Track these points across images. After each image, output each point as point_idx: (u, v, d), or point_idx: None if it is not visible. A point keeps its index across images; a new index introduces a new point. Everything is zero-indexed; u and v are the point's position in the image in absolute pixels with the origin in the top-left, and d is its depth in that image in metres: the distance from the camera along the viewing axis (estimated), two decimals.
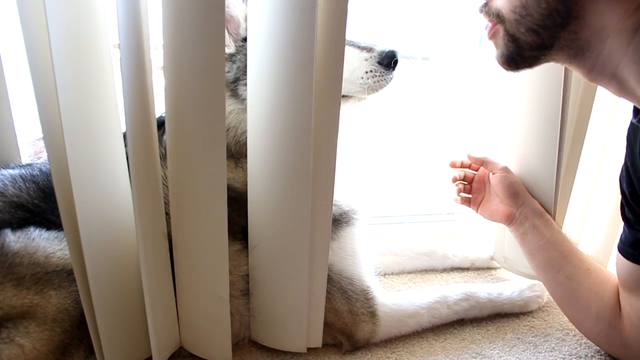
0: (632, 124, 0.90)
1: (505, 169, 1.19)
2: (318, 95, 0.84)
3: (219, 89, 0.80)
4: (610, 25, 0.75)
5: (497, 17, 0.84)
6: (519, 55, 0.85)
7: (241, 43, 0.94)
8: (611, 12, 0.75)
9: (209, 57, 0.78)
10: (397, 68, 0.94)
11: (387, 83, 0.94)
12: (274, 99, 0.85)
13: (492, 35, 0.87)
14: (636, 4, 0.73)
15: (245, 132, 0.92)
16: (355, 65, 0.93)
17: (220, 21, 0.75)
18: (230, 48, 0.95)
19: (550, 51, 0.83)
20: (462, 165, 1.27)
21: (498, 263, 1.38)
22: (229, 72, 0.94)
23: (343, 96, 0.96)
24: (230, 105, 0.95)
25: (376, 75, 0.94)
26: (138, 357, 0.96)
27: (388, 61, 0.93)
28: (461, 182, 1.26)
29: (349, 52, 0.92)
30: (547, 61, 0.86)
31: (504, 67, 0.89)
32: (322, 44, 0.81)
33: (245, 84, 0.89)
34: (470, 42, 0.99)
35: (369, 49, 0.94)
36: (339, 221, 1.03)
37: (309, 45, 0.79)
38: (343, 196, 1.04)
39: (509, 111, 1.23)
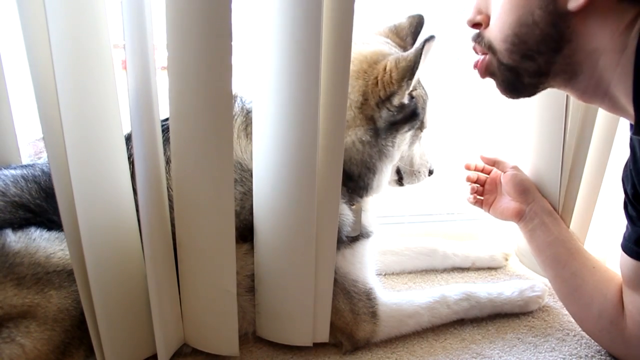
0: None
1: (516, 168, 1.22)
2: (325, 92, 0.84)
3: (226, 88, 0.80)
4: (601, 46, 0.78)
5: (488, 49, 0.87)
6: (519, 82, 0.88)
7: None
8: (601, 33, 0.77)
9: (216, 56, 0.78)
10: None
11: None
12: (280, 96, 0.85)
13: (485, 71, 0.91)
14: (623, 25, 0.75)
15: None
16: (423, 163, 1.19)
17: (227, 18, 0.75)
18: None
19: (547, 77, 0.86)
20: (476, 169, 1.30)
21: (520, 260, 1.39)
22: None
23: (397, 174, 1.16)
24: None
25: (425, 176, 1.20)
26: (139, 356, 0.96)
27: (431, 172, 1.21)
28: (474, 184, 1.29)
29: (425, 155, 1.18)
30: (545, 88, 0.89)
31: (506, 96, 0.92)
32: (329, 43, 0.81)
33: None
34: (470, 43, 1.01)
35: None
36: (358, 236, 1.06)
37: (315, 44, 0.80)
38: (368, 220, 1.09)
39: (512, 112, 1.25)
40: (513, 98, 0.93)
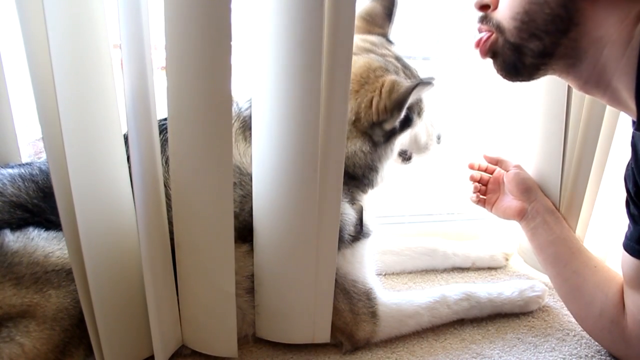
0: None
1: (518, 167, 1.23)
2: (325, 92, 0.84)
3: (226, 88, 0.80)
4: (607, 35, 0.79)
5: (497, 28, 0.89)
6: (520, 62, 0.89)
7: None
8: (608, 21, 0.79)
9: (215, 57, 0.78)
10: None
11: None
12: (281, 96, 0.85)
13: (488, 50, 0.92)
14: (631, 16, 0.77)
15: None
16: (430, 135, 1.16)
17: (227, 18, 0.75)
18: None
19: (550, 59, 0.87)
20: (479, 168, 1.31)
21: (523, 259, 1.39)
22: None
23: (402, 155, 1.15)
24: None
25: (434, 146, 1.18)
26: (138, 356, 0.96)
27: (439, 139, 1.19)
28: (477, 183, 1.30)
29: (429, 127, 1.15)
30: (546, 72, 0.91)
31: (503, 77, 0.94)
32: (330, 43, 0.82)
33: None
34: (470, 42, 1.01)
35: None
36: (358, 236, 1.06)
37: (316, 44, 0.80)
38: (368, 220, 1.09)
39: (514, 112, 1.25)
40: (512, 79, 0.94)
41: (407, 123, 1.04)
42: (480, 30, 0.93)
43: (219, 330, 0.97)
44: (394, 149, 1.06)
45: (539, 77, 0.93)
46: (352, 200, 1.05)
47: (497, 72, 0.94)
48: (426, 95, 1.09)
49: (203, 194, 0.87)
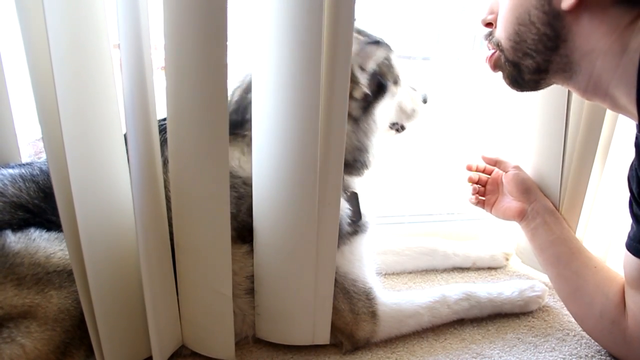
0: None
1: (517, 167, 1.23)
2: (325, 92, 0.84)
3: (222, 87, 0.80)
4: (598, 47, 0.81)
5: (497, 46, 0.93)
6: (521, 78, 0.93)
7: None
8: (597, 34, 0.80)
9: (211, 57, 0.78)
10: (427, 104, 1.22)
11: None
12: (280, 96, 0.85)
13: (495, 65, 0.96)
14: (620, 28, 0.78)
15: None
16: (414, 100, 1.18)
17: (223, 20, 0.75)
18: None
19: (546, 74, 0.90)
20: (477, 169, 1.31)
21: (520, 259, 1.39)
22: None
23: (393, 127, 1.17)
24: None
25: (422, 109, 1.20)
26: (139, 356, 0.96)
27: (425, 100, 1.20)
28: (475, 184, 1.30)
29: (411, 93, 1.17)
30: (548, 84, 0.94)
31: (511, 88, 0.98)
32: (330, 42, 0.82)
33: None
34: (470, 43, 1.02)
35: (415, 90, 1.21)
36: (356, 230, 1.06)
37: (315, 43, 0.80)
38: (365, 211, 1.08)
39: (513, 112, 1.25)
40: (518, 91, 0.97)
41: (381, 90, 1.03)
42: (487, 47, 0.97)
43: (216, 332, 0.97)
44: (377, 120, 1.05)
45: (544, 88, 0.95)
46: (345, 190, 1.04)
47: (506, 83, 0.98)
48: (397, 62, 1.09)
49: (200, 193, 0.87)
